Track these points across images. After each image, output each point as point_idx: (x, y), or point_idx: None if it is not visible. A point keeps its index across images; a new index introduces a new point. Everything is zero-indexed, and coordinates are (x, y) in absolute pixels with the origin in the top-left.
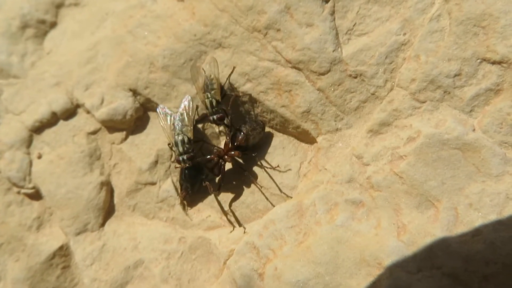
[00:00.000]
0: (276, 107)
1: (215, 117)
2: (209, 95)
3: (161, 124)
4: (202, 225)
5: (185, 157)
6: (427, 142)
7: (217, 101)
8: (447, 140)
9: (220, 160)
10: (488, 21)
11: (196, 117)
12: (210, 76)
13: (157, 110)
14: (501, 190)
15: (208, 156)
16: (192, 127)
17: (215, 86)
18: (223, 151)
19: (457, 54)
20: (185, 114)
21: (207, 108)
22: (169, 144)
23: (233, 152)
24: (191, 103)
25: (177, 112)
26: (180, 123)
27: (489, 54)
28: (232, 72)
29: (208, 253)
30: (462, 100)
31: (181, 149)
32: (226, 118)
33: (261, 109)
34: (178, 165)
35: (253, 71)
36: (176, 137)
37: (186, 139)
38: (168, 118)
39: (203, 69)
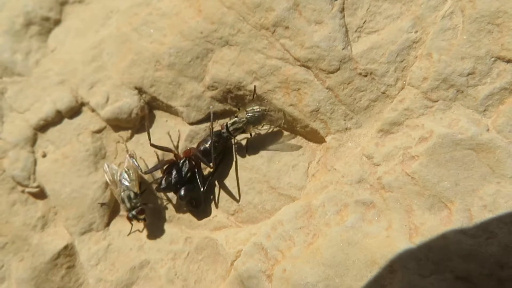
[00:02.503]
0: (284, 106)
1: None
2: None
3: (108, 180)
4: (209, 225)
5: (134, 212)
6: (440, 142)
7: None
8: (461, 140)
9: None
10: (502, 19)
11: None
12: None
13: (104, 167)
14: None
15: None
16: (137, 181)
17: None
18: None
19: (470, 52)
20: (130, 171)
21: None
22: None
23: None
24: (134, 161)
25: (122, 170)
26: (125, 180)
27: (503, 52)
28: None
29: (215, 254)
30: (476, 99)
31: (128, 205)
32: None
33: (268, 108)
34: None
35: (260, 69)
36: (122, 193)
37: (132, 195)
38: (115, 175)
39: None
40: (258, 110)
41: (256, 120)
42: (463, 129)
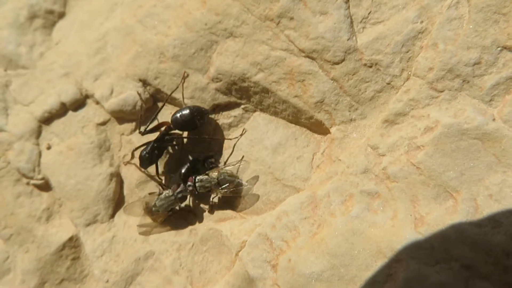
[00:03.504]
0: (288, 97)
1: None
2: None
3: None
4: (213, 217)
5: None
6: (445, 132)
7: None
8: (467, 130)
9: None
10: (509, 8)
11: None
12: None
13: None
14: None
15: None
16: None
17: None
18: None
19: (476, 42)
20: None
21: None
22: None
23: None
24: None
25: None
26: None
27: (510, 42)
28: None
29: (220, 245)
30: (482, 89)
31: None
32: None
33: (273, 99)
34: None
35: (265, 60)
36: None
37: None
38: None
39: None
40: (230, 177)
41: (225, 184)
42: (469, 119)
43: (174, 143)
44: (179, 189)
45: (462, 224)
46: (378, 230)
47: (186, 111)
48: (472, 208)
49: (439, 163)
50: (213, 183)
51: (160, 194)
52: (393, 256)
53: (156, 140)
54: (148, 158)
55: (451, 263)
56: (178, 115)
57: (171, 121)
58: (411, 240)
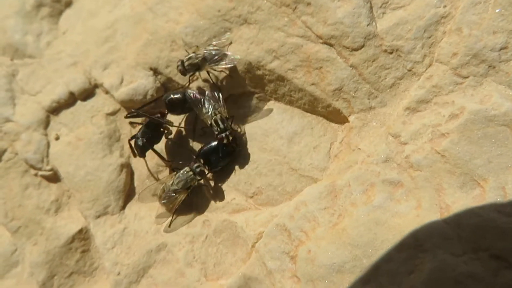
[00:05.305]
0: (305, 85)
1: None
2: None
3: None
4: (227, 208)
5: (227, 133)
6: (472, 118)
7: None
8: (494, 117)
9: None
10: None
11: None
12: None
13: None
14: None
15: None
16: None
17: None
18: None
19: (503, 26)
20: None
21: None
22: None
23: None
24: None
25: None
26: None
27: None
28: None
29: (234, 237)
30: (508, 74)
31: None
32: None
33: (288, 88)
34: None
35: (281, 47)
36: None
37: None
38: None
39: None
40: (217, 49)
41: (212, 58)
42: (496, 105)
43: (166, 131)
44: (197, 164)
45: (490, 213)
46: (401, 219)
47: (179, 94)
48: (500, 196)
49: (465, 151)
50: (200, 57)
51: (177, 173)
52: (418, 246)
53: (147, 124)
54: (142, 144)
55: (479, 253)
56: (171, 96)
57: (165, 102)
58: (437, 230)
